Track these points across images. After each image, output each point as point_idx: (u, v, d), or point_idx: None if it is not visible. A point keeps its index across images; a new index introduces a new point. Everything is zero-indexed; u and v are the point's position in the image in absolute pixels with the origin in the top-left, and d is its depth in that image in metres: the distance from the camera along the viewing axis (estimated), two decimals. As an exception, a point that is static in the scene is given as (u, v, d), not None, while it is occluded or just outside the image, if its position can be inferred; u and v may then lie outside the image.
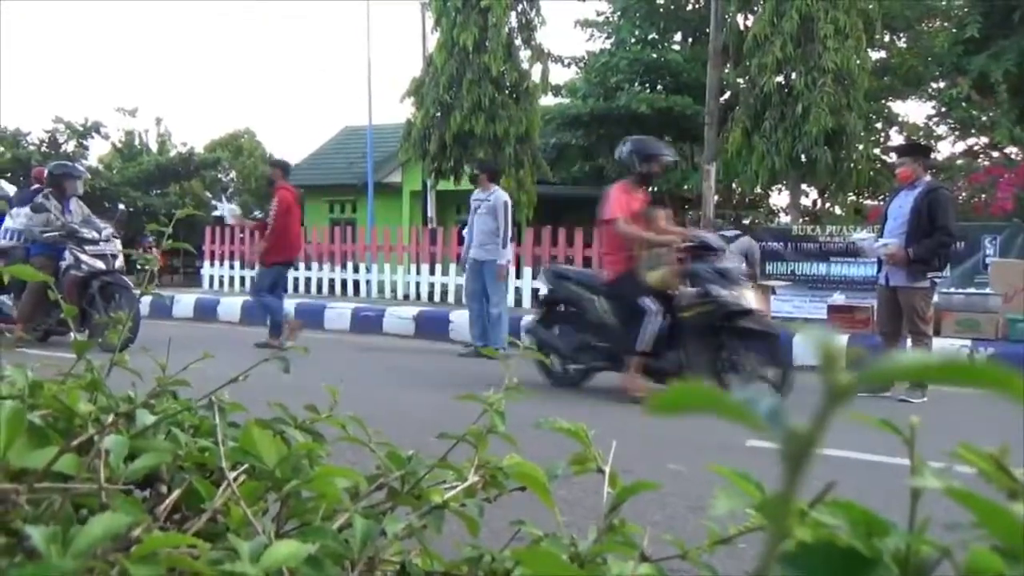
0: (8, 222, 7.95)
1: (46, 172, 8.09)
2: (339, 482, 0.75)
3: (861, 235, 7.31)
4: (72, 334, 1.06)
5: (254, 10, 65.87)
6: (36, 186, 8.40)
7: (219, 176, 25.35)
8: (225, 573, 0.56)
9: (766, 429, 0.25)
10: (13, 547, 0.59)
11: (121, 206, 14.07)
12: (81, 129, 21.39)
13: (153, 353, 1.00)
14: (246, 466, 0.77)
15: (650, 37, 19.12)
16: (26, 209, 7.67)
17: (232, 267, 14.15)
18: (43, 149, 20.91)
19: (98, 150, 25.38)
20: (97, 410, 0.79)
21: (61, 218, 7.60)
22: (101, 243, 7.60)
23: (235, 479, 0.73)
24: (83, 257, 7.45)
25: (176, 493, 0.74)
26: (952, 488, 0.42)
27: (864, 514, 0.46)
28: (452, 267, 11.93)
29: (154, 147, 23.84)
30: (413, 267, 12.58)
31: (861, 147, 12.89)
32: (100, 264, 7.49)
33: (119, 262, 7.66)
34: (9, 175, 16.31)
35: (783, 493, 0.25)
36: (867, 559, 0.43)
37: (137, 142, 23.69)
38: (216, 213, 11.92)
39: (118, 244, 7.82)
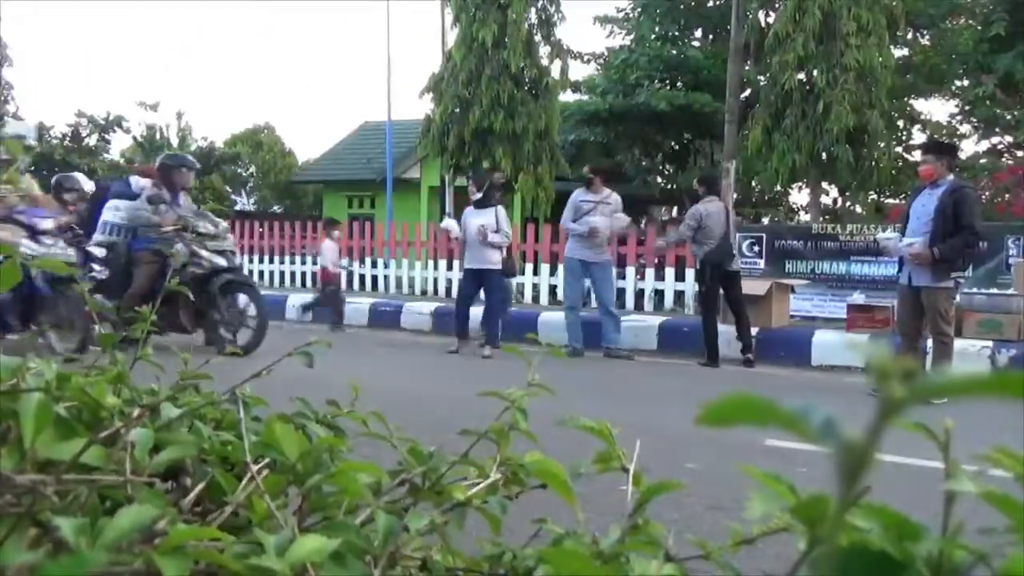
0: (108, 215, 7.29)
1: (157, 163, 7.46)
2: (361, 477, 0.75)
3: (886, 235, 7.23)
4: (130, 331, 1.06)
5: (275, 6, 66.15)
6: (133, 178, 7.75)
7: (239, 171, 25.50)
8: (251, 567, 0.56)
9: (821, 441, 0.25)
10: (41, 538, 0.59)
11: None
12: (103, 123, 21.57)
13: (178, 348, 1.01)
14: (268, 460, 0.77)
15: (670, 34, 19.02)
16: (129, 202, 7.13)
17: (251, 260, 14.23)
18: (66, 143, 21.11)
19: (120, 144, 25.53)
20: (122, 403, 0.79)
21: (174, 211, 7.00)
22: (219, 238, 7.02)
23: (257, 473, 0.73)
24: (203, 253, 6.82)
25: (200, 486, 0.74)
26: (988, 492, 0.41)
27: (897, 518, 0.45)
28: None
29: (175, 141, 24.01)
30: (431, 263, 12.60)
31: (883, 145, 12.76)
32: (221, 260, 6.90)
33: (239, 258, 7.11)
34: (33, 168, 16.46)
35: (839, 504, 0.25)
36: (899, 563, 0.42)
37: (158, 136, 23.87)
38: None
39: (232, 240, 7.23)
